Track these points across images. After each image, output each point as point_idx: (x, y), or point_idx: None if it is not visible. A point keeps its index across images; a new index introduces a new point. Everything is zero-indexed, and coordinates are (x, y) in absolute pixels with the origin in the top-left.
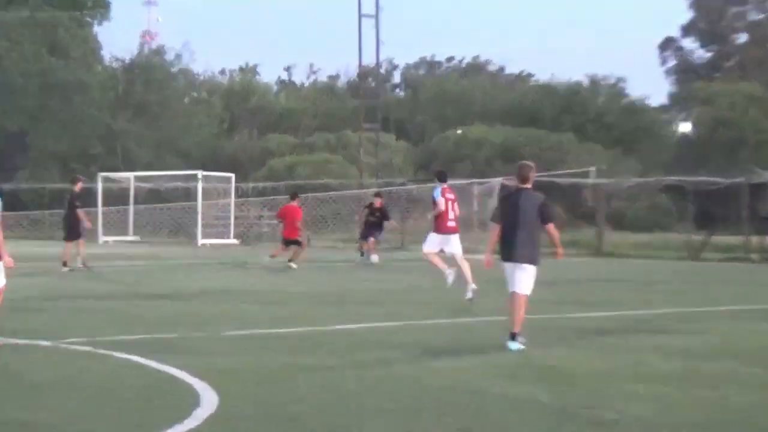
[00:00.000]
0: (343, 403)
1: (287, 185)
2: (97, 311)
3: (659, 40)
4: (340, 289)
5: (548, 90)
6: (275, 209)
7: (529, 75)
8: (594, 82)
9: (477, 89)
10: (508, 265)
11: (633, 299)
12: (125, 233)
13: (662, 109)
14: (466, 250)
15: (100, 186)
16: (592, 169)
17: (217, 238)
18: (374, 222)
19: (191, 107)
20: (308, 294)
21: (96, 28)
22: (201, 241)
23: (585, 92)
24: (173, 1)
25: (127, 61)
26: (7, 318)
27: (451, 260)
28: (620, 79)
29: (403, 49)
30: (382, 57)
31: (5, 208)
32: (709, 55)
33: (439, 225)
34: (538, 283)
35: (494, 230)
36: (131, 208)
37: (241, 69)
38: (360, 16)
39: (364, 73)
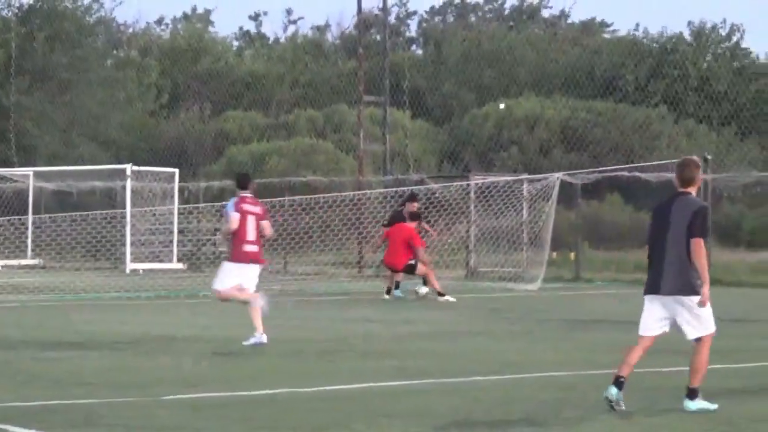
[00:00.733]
0: None
1: (254, 184)
2: None
3: None
4: (329, 333)
5: (631, 46)
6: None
7: (604, 25)
8: (699, 33)
9: (528, 45)
10: (649, 300)
11: (751, 347)
12: (21, 255)
13: None
14: (512, 277)
15: None
16: (694, 158)
17: (153, 260)
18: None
19: (115, 73)
20: (282, 340)
21: None
22: (131, 266)
23: (685, 49)
24: None
25: (22, 7)
26: None
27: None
28: (735, 29)
29: None
30: None
31: None
32: None
33: (234, 250)
34: (618, 323)
35: (701, 249)
36: (30, 218)
37: (187, 17)
38: None
39: (364, 22)
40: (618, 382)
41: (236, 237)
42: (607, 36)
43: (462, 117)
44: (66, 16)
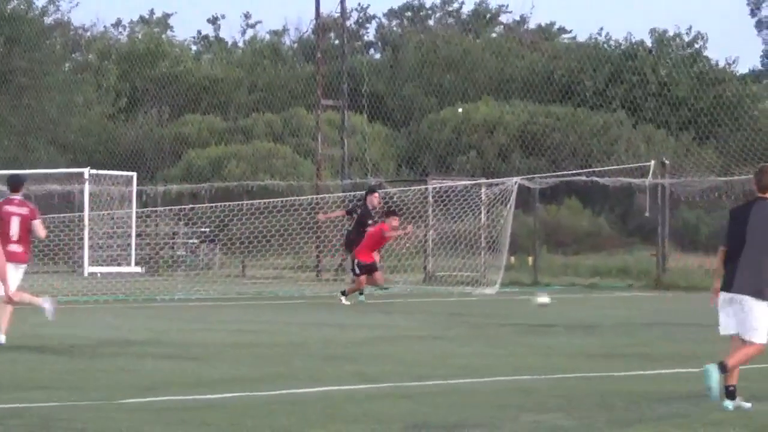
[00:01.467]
0: None
1: (212, 188)
2: None
3: None
4: (287, 337)
5: (591, 51)
6: (197, 223)
7: (563, 31)
8: (659, 39)
9: (486, 49)
10: (723, 297)
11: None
12: None
13: (752, 76)
14: (470, 281)
15: None
16: (652, 163)
17: (111, 264)
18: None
19: (73, 77)
20: (241, 344)
21: None
22: (89, 269)
23: (645, 55)
24: None
25: None
26: None
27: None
28: (697, 36)
29: None
30: (349, 2)
31: None
32: None
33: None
34: (574, 328)
35: (719, 253)
36: None
37: (145, 21)
38: None
39: (322, 26)
40: (728, 392)
41: (1, 238)
42: (565, 41)
43: (420, 121)
44: (21, 17)
